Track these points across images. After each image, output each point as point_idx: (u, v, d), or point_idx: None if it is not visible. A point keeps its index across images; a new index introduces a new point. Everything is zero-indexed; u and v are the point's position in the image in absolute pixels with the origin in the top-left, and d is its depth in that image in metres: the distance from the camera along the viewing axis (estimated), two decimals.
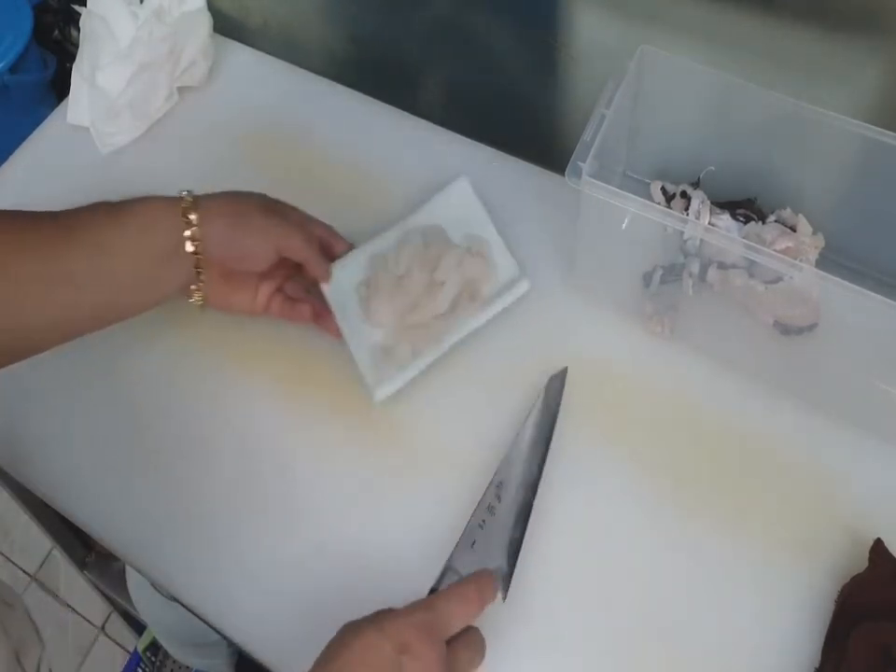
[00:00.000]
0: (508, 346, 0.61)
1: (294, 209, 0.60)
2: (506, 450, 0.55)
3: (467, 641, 0.45)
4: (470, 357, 0.61)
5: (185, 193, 0.54)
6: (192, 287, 0.56)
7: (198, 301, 0.58)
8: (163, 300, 0.55)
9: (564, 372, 0.58)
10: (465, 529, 0.52)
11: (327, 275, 0.60)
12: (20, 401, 0.63)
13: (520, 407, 0.58)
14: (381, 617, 0.43)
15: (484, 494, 0.53)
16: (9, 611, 0.59)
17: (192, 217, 0.53)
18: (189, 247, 0.53)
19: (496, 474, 0.54)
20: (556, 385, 0.57)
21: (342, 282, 0.61)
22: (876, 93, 0.55)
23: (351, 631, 0.43)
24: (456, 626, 0.45)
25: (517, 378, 0.60)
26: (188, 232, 0.53)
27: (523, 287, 0.61)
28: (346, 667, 0.41)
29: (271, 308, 0.61)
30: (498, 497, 0.52)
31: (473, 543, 0.51)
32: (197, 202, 0.54)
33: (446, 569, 0.50)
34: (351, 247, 0.62)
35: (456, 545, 0.51)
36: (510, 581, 0.50)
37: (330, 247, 0.61)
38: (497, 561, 0.50)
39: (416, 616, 0.43)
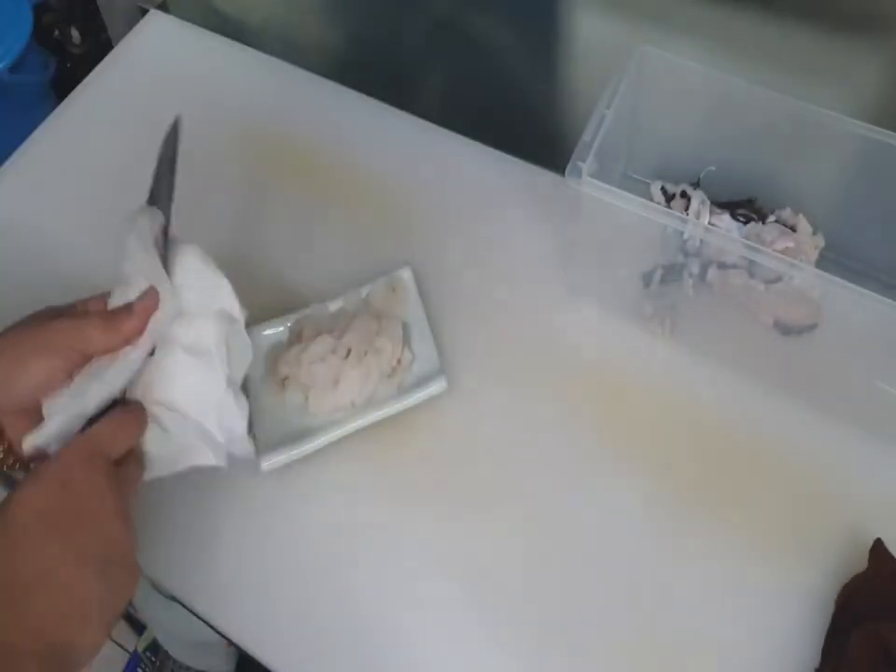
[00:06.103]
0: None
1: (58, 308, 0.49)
2: None
3: (134, 457, 0.46)
4: None
5: None
6: None
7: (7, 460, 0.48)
8: None
9: (178, 121, 0.53)
10: None
11: (156, 303, 0.47)
12: None
13: None
14: (37, 469, 0.42)
15: None
16: None
17: None
18: None
19: None
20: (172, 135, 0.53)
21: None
22: (876, 93, 0.55)
23: (8, 504, 0.41)
24: (120, 449, 0.45)
25: (537, 375, 0.60)
26: None
27: (440, 384, 0.58)
28: (26, 533, 0.40)
29: None
30: None
31: None
32: None
33: None
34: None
35: None
36: None
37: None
38: None
39: (72, 449, 0.43)
